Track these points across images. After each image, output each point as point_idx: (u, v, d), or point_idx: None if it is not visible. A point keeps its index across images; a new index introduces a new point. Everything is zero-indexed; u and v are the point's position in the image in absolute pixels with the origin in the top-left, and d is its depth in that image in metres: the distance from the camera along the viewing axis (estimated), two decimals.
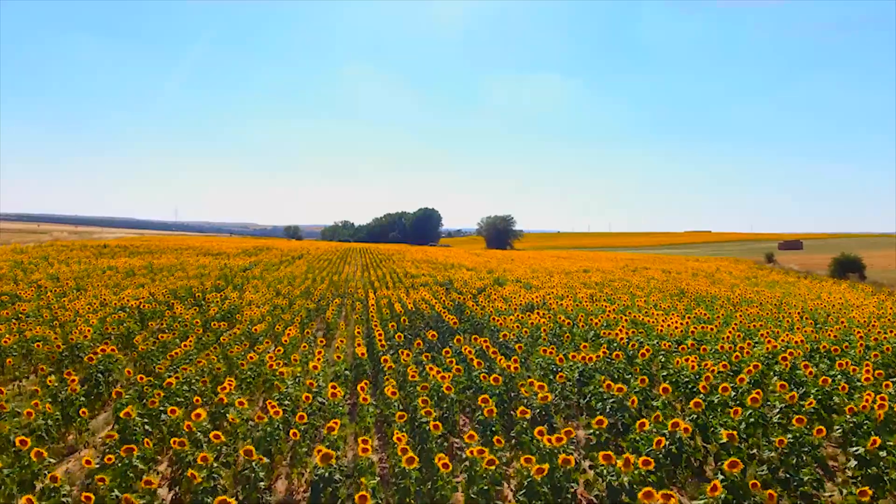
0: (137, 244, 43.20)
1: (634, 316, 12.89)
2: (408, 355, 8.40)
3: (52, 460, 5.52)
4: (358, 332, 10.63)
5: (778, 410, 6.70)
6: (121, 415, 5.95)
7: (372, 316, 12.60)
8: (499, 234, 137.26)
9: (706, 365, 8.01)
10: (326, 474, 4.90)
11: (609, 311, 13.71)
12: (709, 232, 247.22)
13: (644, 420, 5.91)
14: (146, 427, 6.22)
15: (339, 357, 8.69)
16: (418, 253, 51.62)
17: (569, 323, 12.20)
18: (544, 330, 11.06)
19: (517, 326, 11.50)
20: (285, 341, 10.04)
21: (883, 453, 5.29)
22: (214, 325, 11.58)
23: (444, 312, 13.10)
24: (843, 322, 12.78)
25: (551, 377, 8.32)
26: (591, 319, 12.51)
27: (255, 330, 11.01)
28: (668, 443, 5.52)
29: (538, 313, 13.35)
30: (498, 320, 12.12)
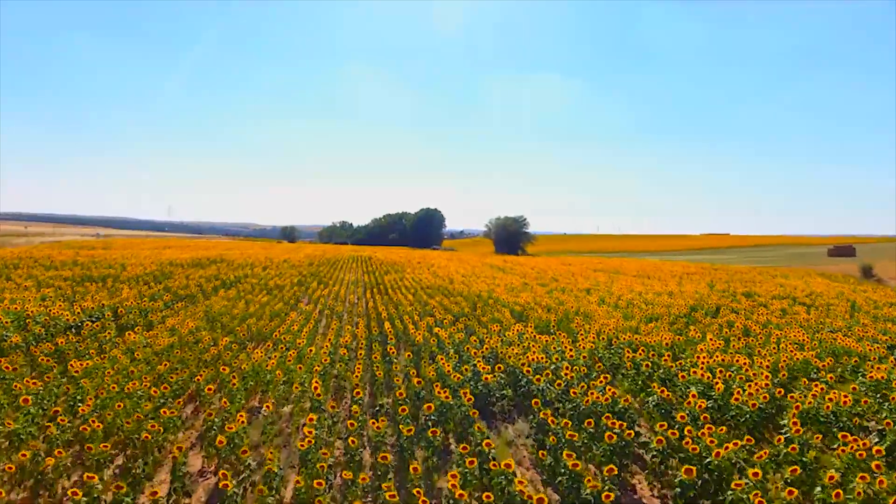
0: (12, 255, 29.22)
1: None
2: None
3: None
4: None
5: None
6: None
7: None
8: (509, 236, 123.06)
9: None
10: None
11: None
12: (728, 235, 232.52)
13: None
14: None
15: None
16: (422, 268, 37.55)
17: None
18: None
19: None
20: None
21: None
22: None
23: None
24: None
25: None
26: None
27: None
28: None
29: None
30: None
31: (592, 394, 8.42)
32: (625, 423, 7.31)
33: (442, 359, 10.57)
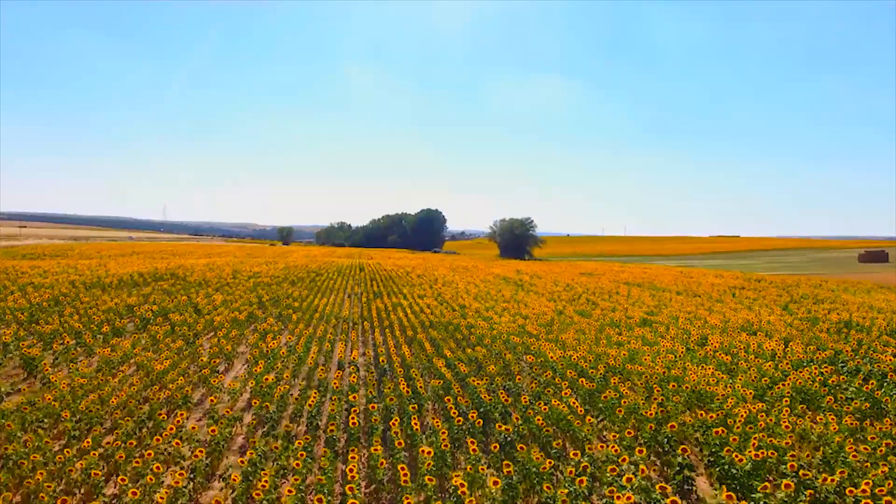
0: None
1: None
2: None
3: None
4: None
5: None
6: None
7: None
8: (516, 239, 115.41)
9: None
10: None
11: None
12: (739, 237, 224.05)
13: None
14: None
15: None
16: (424, 285, 30.09)
17: None
18: None
19: None
20: None
21: None
22: None
23: None
24: None
25: None
26: None
27: None
28: None
29: None
30: None
31: None
32: None
33: None
